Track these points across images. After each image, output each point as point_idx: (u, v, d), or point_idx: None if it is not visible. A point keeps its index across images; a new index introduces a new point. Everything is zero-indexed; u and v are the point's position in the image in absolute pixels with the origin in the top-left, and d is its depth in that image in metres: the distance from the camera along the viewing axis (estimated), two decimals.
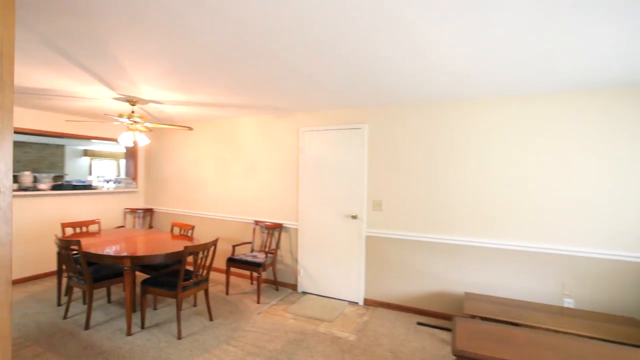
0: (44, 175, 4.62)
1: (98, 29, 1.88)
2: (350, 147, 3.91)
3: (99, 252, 2.99)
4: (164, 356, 2.66)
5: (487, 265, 3.26)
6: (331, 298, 3.99)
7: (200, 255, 3.12)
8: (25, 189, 4.31)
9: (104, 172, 9.92)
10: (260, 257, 4.03)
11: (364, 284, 3.82)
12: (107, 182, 5.26)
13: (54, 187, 4.58)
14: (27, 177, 4.42)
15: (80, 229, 4.01)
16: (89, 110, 4.23)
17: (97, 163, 9.77)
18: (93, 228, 4.35)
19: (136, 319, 3.27)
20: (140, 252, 3.13)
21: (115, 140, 5.35)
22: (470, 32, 1.82)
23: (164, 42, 2.03)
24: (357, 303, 3.85)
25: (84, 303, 3.62)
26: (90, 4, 1.61)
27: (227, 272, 4.03)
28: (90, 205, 4.97)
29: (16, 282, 4.18)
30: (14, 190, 4.16)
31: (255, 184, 4.60)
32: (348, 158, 3.91)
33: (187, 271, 3.22)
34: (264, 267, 3.87)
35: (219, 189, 4.91)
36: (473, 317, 2.75)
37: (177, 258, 3.14)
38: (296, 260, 4.25)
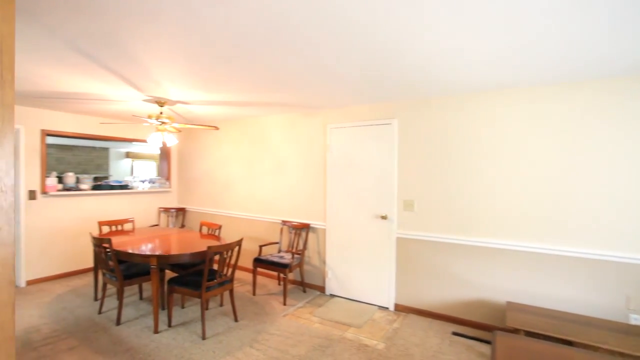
0: (85, 176, 4.87)
1: (117, 28, 1.86)
2: (379, 144, 3.71)
3: (128, 251, 3.05)
4: (187, 356, 2.64)
5: (533, 272, 2.92)
6: (360, 302, 3.82)
7: (224, 255, 3.09)
8: (69, 189, 4.56)
9: (143, 172, 10.42)
10: (286, 258, 3.95)
11: (395, 288, 3.61)
12: (142, 182, 5.45)
13: (94, 187, 4.81)
14: (70, 178, 4.68)
15: (116, 227, 4.16)
16: (121, 113, 4.39)
17: (137, 164, 10.29)
18: (128, 226, 4.51)
19: (164, 316, 3.31)
20: (167, 251, 3.15)
21: (145, 141, 5.53)
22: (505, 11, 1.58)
23: (183, 39, 1.98)
24: (387, 308, 3.65)
25: (118, 298, 3.74)
26: (105, 2, 1.58)
27: (254, 273, 3.99)
28: (127, 205, 5.17)
29: (59, 277, 4.43)
30: (59, 190, 4.41)
31: (283, 183, 4.53)
32: (377, 155, 3.72)
33: (213, 271, 3.20)
34: (290, 268, 3.78)
35: (247, 188, 4.90)
36: (516, 330, 2.45)
37: (202, 258, 3.13)
38: (324, 262, 4.13)
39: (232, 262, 4.85)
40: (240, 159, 4.99)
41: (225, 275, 3.18)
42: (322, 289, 4.14)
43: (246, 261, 4.93)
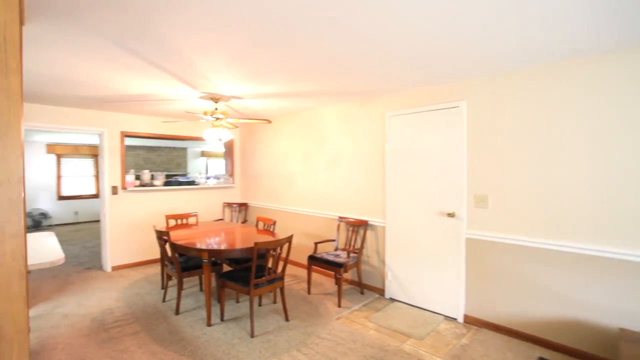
0: (158, 173, 5.27)
1: (155, 22, 1.82)
2: (444, 131, 3.23)
3: (184, 244, 3.13)
4: (234, 353, 2.58)
5: None
6: (423, 309, 3.40)
7: (274, 252, 2.98)
8: (144, 185, 4.97)
9: (215, 169, 11.14)
10: (342, 257, 3.71)
11: (464, 296, 3.11)
12: (208, 178, 5.71)
13: (165, 184, 5.17)
14: (146, 175, 5.10)
15: (181, 220, 4.39)
16: (182, 113, 4.60)
17: (211, 162, 11.05)
18: (192, 220, 4.73)
19: (219, 310, 3.34)
20: (218, 245, 3.16)
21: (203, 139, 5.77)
22: None
23: (222, 25, 1.87)
24: (455, 319, 3.17)
25: (182, 288, 3.91)
26: None
27: (309, 271, 3.84)
28: (194, 199, 5.47)
29: (137, 265, 4.86)
30: (136, 186, 4.84)
31: (339, 178, 4.29)
32: (442, 144, 3.25)
33: (262, 268, 3.12)
34: (345, 268, 3.53)
35: (305, 183, 4.78)
36: None
37: (251, 253, 3.06)
38: (383, 262, 3.79)
39: (283, 259, 4.78)
40: (297, 153, 4.89)
41: (275, 272, 3.07)
42: (381, 292, 3.81)
43: (304, 257, 4.83)
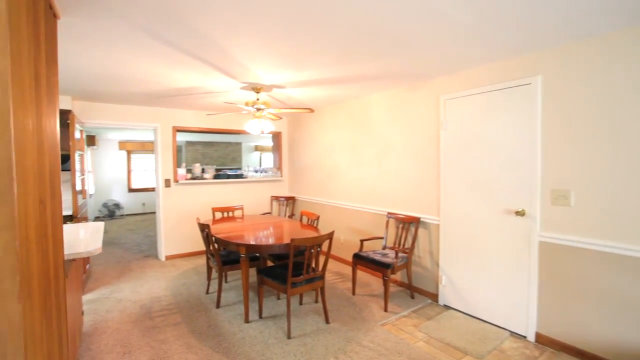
0: (208, 167, 5.39)
1: (184, 6, 1.71)
2: (512, 114, 2.72)
3: (223, 238, 3.07)
4: (268, 355, 2.43)
5: None
6: (484, 321, 2.94)
7: (313, 249, 2.77)
8: (195, 178, 5.11)
9: (269, 163, 11.33)
10: (390, 257, 3.39)
11: (537, 311, 2.60)
12: (256, 172, 5.72)
13: (215, 177, 5.27)
14: (197, 168, 5.25)
15: (227, 213, 4.41)
16: (226, 105, 4.58)
17: (265, 156, 11.27)
18: (238, 213, 4.75)
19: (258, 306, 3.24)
20: (258, 240, 3.04)
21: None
22: None
23: (251, 4, 1.69)
24: (523, 337, 2.68)
25: (225, 281, 3.93)
26: None
27: (354, 270, 3.58)
28: (243, 193, 5.51)
29: (187, 255, 5.03)
30: (187, 179, 4.99)
31: (388, 170, 3.94)
32: (509, 129, 2.74)
33: (300, 266, 2.94)
34: (393, 269, 3.20)
35: (352, 176, 4.51)
36: None
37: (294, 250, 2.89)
38: (437, 264, 3.38)
39: (323, 257, 4.58)
40: (344, 145, 4.63)
41: (315, 271, 2.87)
42: (434, 297, 3.41)
43: (350, 255, 4.57)
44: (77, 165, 4.09)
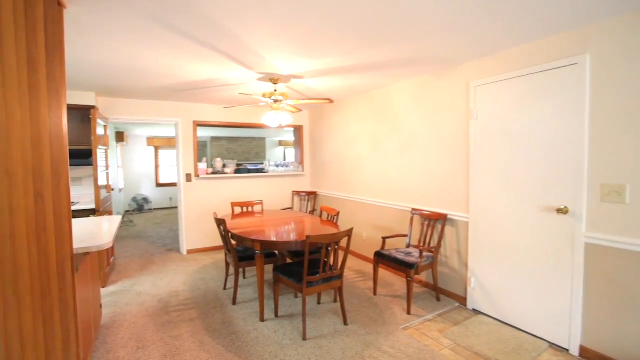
0: (229, 161, 5.36)
1: None
2: (554, 99, 2.41)
3: (239, 233, 2.98)
4: (281, 357, 2.32)
5: None
6: (519, 330, 2.67)
7: (331, 247, 2.62)
8: (216, 173, 5.10)
9: (293, 158, 11.26)
10: (414, 256, 3.17)
11: (581, 321, 2.31)
12: (277, 166, 5.63)
13: (236, 172, 5.23)
14: (218, 163, 5.24)
15: (247, 208, 4.34)
16: (245, 98, 4.49)
17: (289, 151, 11.22)
18: (258, 208, 4.68)
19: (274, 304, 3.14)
20: (274, 236, 2.93)
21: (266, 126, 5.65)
22: None
23: None
24: (565, 350, 2.39)
25: (244, 277, 3.87)
26: None
27: (375, 269, 3.39)
28: (264, 187, 5.44)
29: (208, 250, 5.03)
30: (209, 174, 4.98)
31: (412, 163, 3.70)
32: (550, 116, 2.44)
33: (316, 263, 2.80)
34: (417, 269, 2.99)
35: (374, 170, 4.30)
36: None
37: (311, 247, 2.75)
38: (465, 265, 3.12)
39: (342, 255, 4.42)
40: (366, 137, 4.42)
41: (332, 269, 2.71)
42: (462, 300, 3.16)
43: (371, 251, 4.38)
44: (102, 161, 4.17)
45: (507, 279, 2.76)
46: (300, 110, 4.03)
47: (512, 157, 2.69)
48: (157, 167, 9.31)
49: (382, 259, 3.30)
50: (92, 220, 2.78)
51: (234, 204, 4.23)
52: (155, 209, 9.18)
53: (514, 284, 2.71)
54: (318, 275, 2.62)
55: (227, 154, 9.94)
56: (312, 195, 5.59)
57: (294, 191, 5.70)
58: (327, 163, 5.35)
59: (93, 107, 3.87)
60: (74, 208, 3.70)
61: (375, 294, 3.40)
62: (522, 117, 2.61)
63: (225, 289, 3.55)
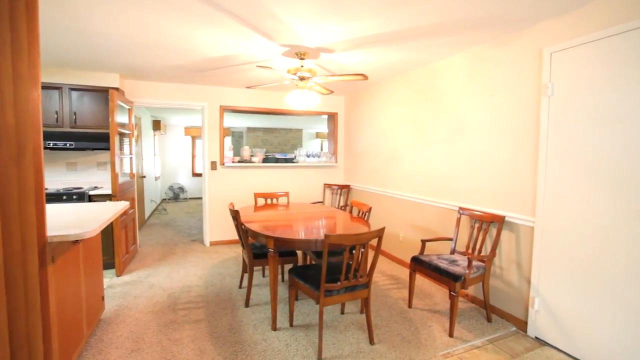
0: (257, 150, 5.05)
1: None
2: None
3: (251, 227, 2.61)
4: None
5: None
6: None
7: (357, 249, 2.15)
8: (243, 161, 4.81)
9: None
10: (461, 265, 2.60)
11: None
12: (308, 156, 5.22)
13: (263, 161, 4.90)
14: (246, 151, 4.94)
15: (271, 200, 3.99)
16: (271, 80, 4.10)
17: (326, 143, 10.81)
18: (283, 200, 4.29)
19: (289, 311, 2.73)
20: (292, 233, 2.52)
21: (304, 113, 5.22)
22: None
23: None
24: None
25: (263, 275, 3.52)
26: None
27: (411, 277, 2.86)
28: (293, 178, 5.07)
29: (231, 242, 4.77)
30: (235, 162, 4.70)
31: (462, 154, 3.09)
32: None
33: (337, 268, 2.34)
34: (464, 282, 2.42)
35: (415, 162, 3.72)
36: None
37: (332, 247, 2.30)
38: (527, 281, 2.49)
39: (370, 261, 3.90)
40: (407, 124, 3.85)
41: (357, 277, 2.24)
42: (520, 324, 2.53)
43: (409, 255, 3.82)
44: (125, 147, 4.03)
45: (589, 304, 2.10)
46: (331, 92, 3.56)
47: (603, 144, 2.01)
48: (193, 156, 9.37)
49: (420, 265, 2.75)
50: (95, 205, 2.56)
51: (257, 195, 3.90)
52: (190, 198, 9.25)
53: (598, 311, 2.05)
54: (339, 283, 2.16)
55: (263, 144, 9.76)
56: (345, 188, 5.12)
57: (325, 184, 5.27)
58: (362, 154, 4.84)
59: (113, 88, 3.72)
60: (96, 192, 3.59)
61: (410, 306, 2.87)
62: (617, 91, 1.93)
63: (240, 287, 3.22)
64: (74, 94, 3.67)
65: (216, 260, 4.01)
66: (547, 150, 2.32)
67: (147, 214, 6.39)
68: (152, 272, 3.59)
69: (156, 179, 7.81)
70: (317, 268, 2.44)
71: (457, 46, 2.90)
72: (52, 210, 2.31)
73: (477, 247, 2.83)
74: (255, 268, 3.68)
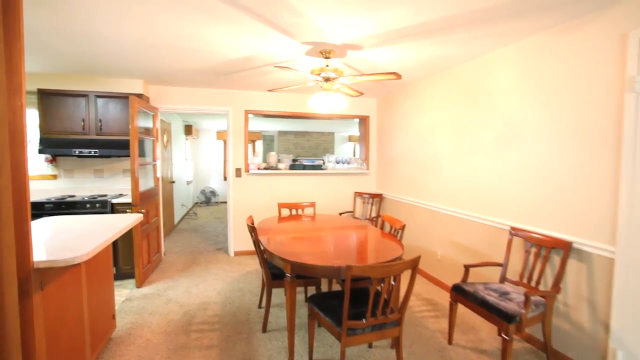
0: (284, 155, 4.82)
1: None
2: None
3: (268, 247, 2.34)
4: None
5: None
6: None
7: (385, 282, 1.80)
8: (269, 168, 4.59)
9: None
10: (514, 299, 2.15)
11: None
12: (337, 162, 4.91)
13: (290, 167, 4.66)
14: (272, 158, 4.72)
15: (296, 210, 3.72)
16: (294, 82, 3.83)
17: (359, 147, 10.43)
18: (309, 211, 4.02)
19: (317, 338, 2.43)
20: (313, 255, 2.21)
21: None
22: None
23: None
24: None
25: (285, 294, 3.24)
26: None
27: (452, 308, 2.44)
28: (321, 186, 4.77)
29: (254, 253, 4.54)
30: (260, 169, 4.50)
31: (515, 163, 2.62)
32: None
33: (362, 298, 2.00)
34: (519, 322, 1.97)
35: (457, 171, 3.27)
36: None
37: (347, 282, 1.97)
38: (604, 326, 1.99)
39: (402, 295, 3.49)
40: (447, 128, 3.41)
41: (388, 313, 1.88)
42: None
43: (448, 276, 3.37)
44: (150, 153, 3.96)
45: None
46: (361, 94, 3.22)
47: None
48: (225, 161, 9.39)
49: (463, 296, 2.33)
50: (106, 218, 2.42)
51: (281, 205, 3.65)
52: (221, 202, 9.28)
53: None
54: (365, 320, 1.82)
55: (294, 148, 9.59)
56: (377, 197, 4.74)
57: (356, 192, 4.92)
58: (396, 160, 4.43)
59: (135, 94, 3.65)
60: (119, 200, 3.52)
61: (450, 342, 2.44)
62: None
63: (260, 307, 2.97)
64: (100, 101, 3.64)
65: (238, 273, 3.81)
66: (634, 161, 1.82)
67: (177, 219, 6.40)
68: (171, 285, 3.45)
69: (188, 183, 7.88)
70: (341, 297, 2.12)
71: (509, 36, 2.45)
72: (58, 223, 2.20)
73: (535, 277, 2.35)
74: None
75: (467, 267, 2.52)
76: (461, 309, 2.96)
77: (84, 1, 1.95)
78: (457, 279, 3.22)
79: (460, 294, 2.36)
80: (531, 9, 1.99)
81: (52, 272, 1.64)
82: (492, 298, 2.17)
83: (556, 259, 2.25)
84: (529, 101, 2.48)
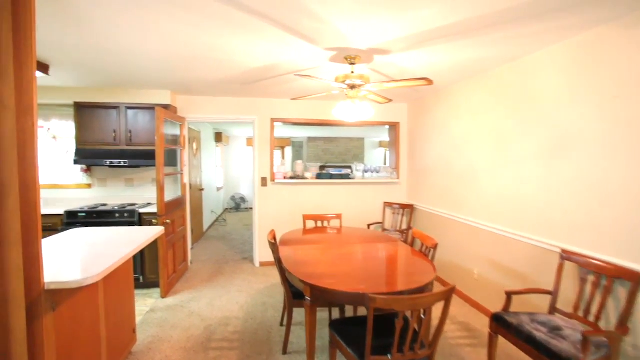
0: (312, 164, 4.70)
1: None
2: None
3: (289, 267, 2.20)
4: None
5: None
6: None
7: (416, 314, 1.60)
8: (295, 177, 4.49)
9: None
10: (568, 337, 1.86)
11: None
12: (366, 171, 4.71)
13: (317, 176, 4.53)
14: (299, 166, 4.63)
15: (321, 222, 3.57)
16: (319, 90, 3.69)
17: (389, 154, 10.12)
18: (335, 223, 3.85)
19: None
20: (335, 279, 2.05)
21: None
22: None
23: None
24: None
25: (287, 321, 3.09)
26: None
27: (491, 341, 2.17)
28: (349, 196, 4.60)
29: (270, 264, 4.44)
30: (286, 179, 4.41)
31: (565, 176, 2.30)
32: None
33: (387, 329, 1.80)
34: None
35: (496, 183, 2.98)
36: None
37: (369, 316, 1.78)
38: None
39: (433, 329, 3.21)
40: (484, 136, 3.12)
41: (416, 348, 1.68)
42: None
43: (486, 298, 3.06)
44: (177, 163, 3.99)
45: None
46: (390, 101, 3.03)
47: None
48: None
49: (506, 329, 2.06)
50: (127, 231, 2.40)
51: (306, 217, 3.52)
52: (250, 208, 9.34)
53: None
54: (390, 356, 1.63)
55: (323, 154, 9.48)
56: (408, 208, 4.48)
57: (385, 202, 4.69)
58: (428, 170, 4.16)
59: (161, 105, 3.70)
60: (147, 210, 3.57)
61: None
62: None
63: (282, 324, 2.85)
64: (130, 112, 3.73)
65: (262, 286, 3.72)
66: None
67: (206, 226, 6.48)
68: (195, 296, 3.42)
69: (218, 189, 8.00)
70: (362, 324, 1.93)
71: (556, 33, 2.16)
72: (82, 237, 2.20)
73: (593, 310, 2.03)
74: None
75: (508, 295, 2.24)
76: (502, 342, 2.65)
77: (111, 20, 1.96)
78: (496, 301, 2.91)
79: (501, 325, 2.09)
80: (581, 2, 1.72)
81: (65, 292, 1.61)
82: (540, 334, 1.89)
83: (621, 291, 1.92)
84: (582, 106, 2.17)
